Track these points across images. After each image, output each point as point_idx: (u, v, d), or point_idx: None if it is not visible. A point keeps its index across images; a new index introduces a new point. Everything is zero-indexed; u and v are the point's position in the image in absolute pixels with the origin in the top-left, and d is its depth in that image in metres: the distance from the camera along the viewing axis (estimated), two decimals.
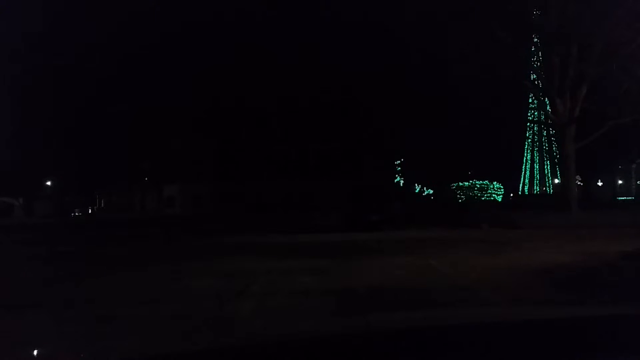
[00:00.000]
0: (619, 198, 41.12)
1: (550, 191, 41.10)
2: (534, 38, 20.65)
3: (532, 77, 21.23)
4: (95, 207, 47.48)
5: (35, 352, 1.67)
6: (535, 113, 32.22)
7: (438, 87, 25.61)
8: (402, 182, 35.46)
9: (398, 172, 36.34)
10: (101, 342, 1.86)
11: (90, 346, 1.74)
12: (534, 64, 20.91)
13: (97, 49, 31.36)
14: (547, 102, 20.90)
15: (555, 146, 21.94)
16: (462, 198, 41.79)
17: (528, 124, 31.88)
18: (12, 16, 29.30)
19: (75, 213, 39.11)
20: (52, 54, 32.32)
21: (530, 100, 27.49)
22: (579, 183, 22.66)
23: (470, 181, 45.30)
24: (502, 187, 47.83)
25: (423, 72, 25.86)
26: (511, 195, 39.16)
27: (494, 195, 47.01)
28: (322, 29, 28.61)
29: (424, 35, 20.10)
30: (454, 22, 18.97)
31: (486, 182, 46.79)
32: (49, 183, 44.19)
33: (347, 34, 28.35)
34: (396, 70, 28.28)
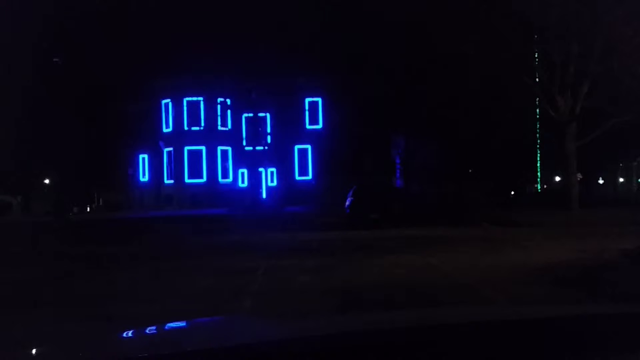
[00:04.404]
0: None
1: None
2: (535, 35, 20.65)
3: (533, 74, 21.23)
4: (93, 205, 47.47)
5: (34, 352, 1.67)
6: (537, 110, 32.25)
7: (438, 86, 25.65)
8: (402, 180, 35.41)
9: (398, 171, 36.31)
10: (100, 341, 1.85)
11: (89, 346, 1.73)
12: (535, 61, 20.91)
13: (96, 48, 31.29)
14: (548, 100, 20.90)
15: (556, 144, 21.96)
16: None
17: (530, 122, 32.15)
18: (12, 14, 29.25)
19: (73, 211, 39.07)
20: (52, 52, 32.23)
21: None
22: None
23: None
24: None
25: (423, 70, 25.90)
26: (512, 193, 39.14)
27: None
28: (319, 28, 28.58)
29: (424, 33, 20.11)
30: (454, 19, 18.97)
31: None
32: (47, 181, 44.17)
33: (348, 32, 28.33)
34: (395, 69, 28.31)
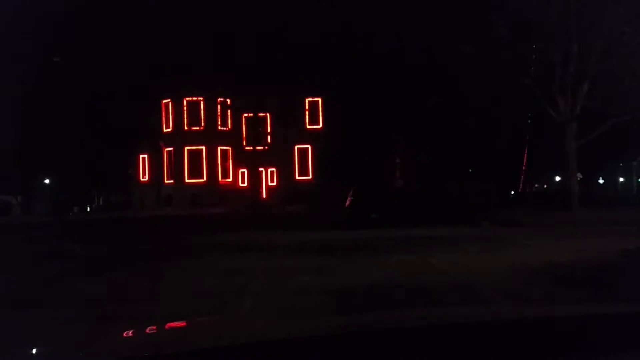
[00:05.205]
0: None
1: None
2: (535, 35, 20.65)
3: (533, 74, 21.23)
4: (93, 205, 47.48)
5: (34, 352, 1.67)
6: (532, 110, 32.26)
7: (438, 86, 25.66)
8: (402, 180, 35.42)
9: (398, 170, 36.31)
10: (101, 341, 1.85)
11: (89, 346, 1.73)
12: (535, 61, 20.91)
13: (97, 48, 31.31)
14: (548, 100, 20.89)
15: (556, 144, 21.89)
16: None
17: (529, 121, 32.26)
18: (12, 13, 29.26)
19: (73, 211, 39.08)
20: (52, 52, 32.23)
21: (533, 98, 27.55)
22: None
23: None
24: None
25: (422, 70, 25.90)
26: (512, 192, 39.17)
27: None
28: (319, 28, 28.59)
29: (424, 32, 20.11)
30: (454, 19, 18.98)
31: None
32: (47, 181, 44.18)
33: (348, 31, 28.33)
34: (395, 68, 28.30)
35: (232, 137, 36.52)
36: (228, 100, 35.66)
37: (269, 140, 34.75)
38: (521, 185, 39.21)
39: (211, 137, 36.02)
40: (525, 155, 36.87)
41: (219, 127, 36.47)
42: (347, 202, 19.32)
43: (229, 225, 19.60)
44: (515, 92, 22.13)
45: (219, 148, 36.74)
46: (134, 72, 32.61)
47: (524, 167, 37.72)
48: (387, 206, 18.69)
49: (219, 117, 36.34)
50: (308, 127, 37.44)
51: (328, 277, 7.71)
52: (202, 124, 36.04)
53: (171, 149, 36.79)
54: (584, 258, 9.02)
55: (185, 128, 36.22)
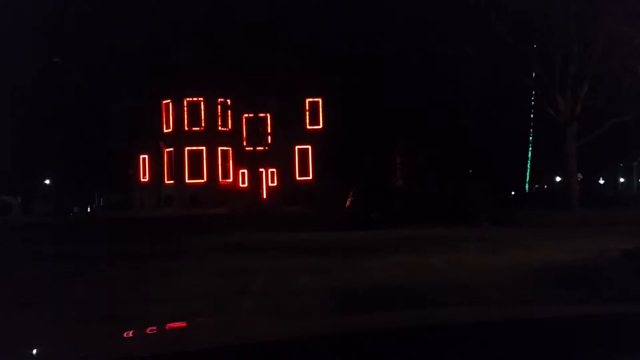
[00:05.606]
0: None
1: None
2: (535, 35, 20.67)
3: (533, 74, 21.23)
4: (94, 206, 47.46)
5: (34, 352, 1.67)
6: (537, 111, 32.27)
7: (439, 86, 25.65)
8: (402, 180, 35.39)
9: (398, 171, 36.28)
10: (100, 341, 1.85)
11: (89, 346, 1.73)
12: (535, 61, 20.92)
13: (96, 48, 31.29)
14: (549, 100, 20.90)
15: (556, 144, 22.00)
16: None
17: (529, 121, 32.38)
18: (12, 13, 29.28)
19: (73, 211, 39.06)
20: (52, 52, 32.25)
21: (531, 98, 27.58)
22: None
23: None
24: None
25: (423, 70, 25.90)
26: (512, 193, 39.18)
27: None
28: (319, 28, 28.58)
29: (424, 32, 20.12)
30: (454, 20, 18.99)
31: None
32: (47, 181, 44.19)
33: (347, 28, 28.32)
34: (395, 68, 28.30)
35: (232, 138, 36.50)
36: (228, 101, 35.61)
37: (269, 141, 34.71)
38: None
39: (211, 137, 36.01)
40: (529, 155, 36.96)
41: (220, 128, 36.46)
42: (348, 203, 19.33)
43: (230, 226, 19.58)
44: (516, 92, 22.16)
45: (220, 148, 36.73)
46: (134, 72, 32.60)
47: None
48: (387, 206, 18.70)
49: (219, 118, 36.32)
50: (308, 127, 37.44)
51: (328, 277, 7.71)
52: (203, 125, 36.01)
53: (171, 149, 36.78)
54: (584, 258, 9.02)
55: (186, 128, 36.21)
